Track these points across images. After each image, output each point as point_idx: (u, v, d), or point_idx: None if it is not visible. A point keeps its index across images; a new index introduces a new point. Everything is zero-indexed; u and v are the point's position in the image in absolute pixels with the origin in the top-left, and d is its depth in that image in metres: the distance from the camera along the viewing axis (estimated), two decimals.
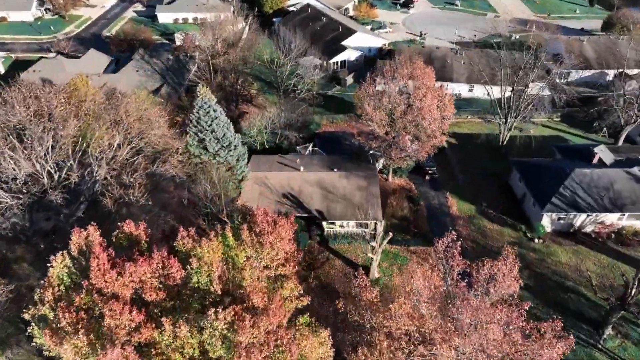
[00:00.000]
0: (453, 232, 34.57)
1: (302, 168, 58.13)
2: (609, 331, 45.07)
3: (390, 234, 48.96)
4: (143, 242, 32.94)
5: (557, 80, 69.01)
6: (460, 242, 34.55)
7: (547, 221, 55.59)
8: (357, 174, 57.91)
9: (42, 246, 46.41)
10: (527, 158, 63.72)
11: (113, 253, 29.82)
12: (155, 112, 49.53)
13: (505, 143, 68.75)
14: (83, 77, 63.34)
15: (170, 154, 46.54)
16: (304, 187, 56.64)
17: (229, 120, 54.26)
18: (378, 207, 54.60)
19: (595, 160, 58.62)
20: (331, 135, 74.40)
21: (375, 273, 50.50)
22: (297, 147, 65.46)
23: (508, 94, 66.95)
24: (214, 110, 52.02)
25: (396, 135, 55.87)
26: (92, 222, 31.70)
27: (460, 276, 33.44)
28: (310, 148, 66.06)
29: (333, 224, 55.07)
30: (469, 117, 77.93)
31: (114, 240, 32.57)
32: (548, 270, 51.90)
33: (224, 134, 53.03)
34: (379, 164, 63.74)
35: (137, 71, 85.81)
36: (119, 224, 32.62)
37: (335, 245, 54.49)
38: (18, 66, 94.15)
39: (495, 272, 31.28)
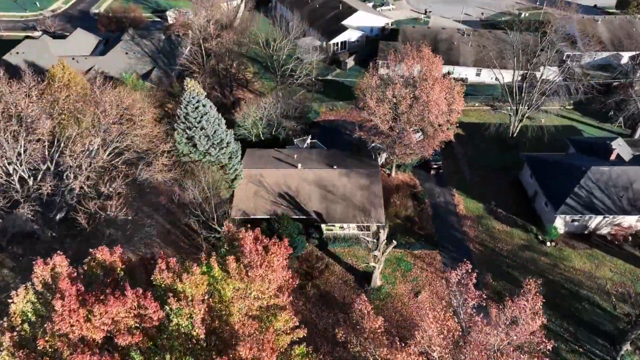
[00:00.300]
0: (467, 261, 30.62)
1: (299, 165, 53.87)
2: (627, 347, 41.77)
3: (394, 242, 45.16)
4: (119, 269, 29.14)
5: (571, 64, 63.83)
6: (474, 274, 30.58)
7: (560, 223, 51.71)
8: (358, 171, 53.68)
9: (21, 253, 42.80)
10: (539, 152, 59.29)
11: (82, 288, 26.01)
12: (139, 108, 44.93)
13: (515, 135, 64.25)
14: (65, 64, 58.37)
15: (155, 157, 42.15)
16: (301, 186, 52.52)
17: (220, 116, 49.71)
18: (380, 208, 50.65)
19: (613, 157, 54.31)
20: (331, 124, 69.80)
21: (377, 281, 46.93)
22: (295, 140, 61.02)
23: (518, 78, 61.92)
24: (204, 106, 47.45)
25: (401, 130, 51.44)
26: (67, 242, 27.85)
27: (474, 310, 29.70)
28: (308, 140, 61.64)
29: (333, 226, 51.22)
30: (476, 105, 73.14)
31: (85, 268, 28.75)
32: (561, 277, 48.30)
33: (215, 131, 48.61)
34: (381, 158, 59.45)
35: (127, 53, 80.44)
36: (91, 250, 28.71)
37: (335, 249, 50.79)
38: (2, 46, 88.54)
39: (518, 314, 27.52)
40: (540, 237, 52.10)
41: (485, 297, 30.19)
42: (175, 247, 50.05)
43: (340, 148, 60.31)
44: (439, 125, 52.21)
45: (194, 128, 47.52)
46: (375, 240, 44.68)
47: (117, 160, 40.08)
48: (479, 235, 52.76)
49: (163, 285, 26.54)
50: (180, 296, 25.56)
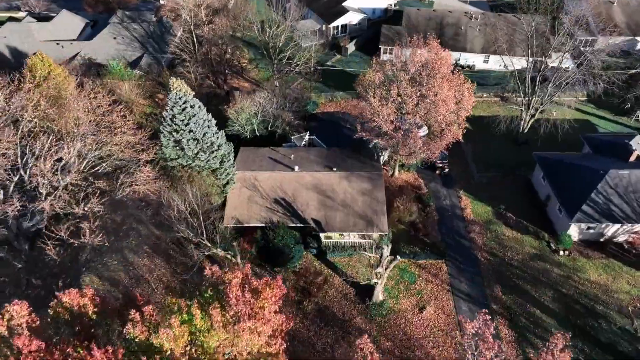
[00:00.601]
0: (485, 311, 26.95)
1: (296, 167, 49.85)
2: None
3: (399, 258, 41.62)
4: (91, 313, 25.58)
5: (589, 55, 59.04)
6: (492, 324, 26.87)
7: (574, 230, 48.05)
8: (359, 174, 49.70)
9: None
10: (552, 151, 55.14)
11: (43, 345, 22.46)
12: (119, 112, 40.53)
13: (526, 130, 59.92)
14: (44, 56, 53.64)
15: (137, 168, 37.95)
16: (298, 191, 48.63)
17: (210, 117, 45.41)
18: (383, 216, 46.91)
19: (632, 158, 50.23)
20: (330, 117, 65.43)
21: (379, 295, 43.56)
22: (292, 137, 56.77)
23: (530, 66, 57.22)
24: (192, 107, 43.15)
25: (406, 131, 47.23)
26: (38, 266, 24.21)
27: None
28: (306, 138, 57.37)
29: (332, 245, 47.45)
30: (484, 96, 68.52)
31: (51, 313, 25.19)
32: (575, 290, 44.90)
33: (205, 134, 44.43)
34: (384, 156, 55.46)
35: (115, 38, 75.43)
36: (57, 293, 25.07)
37: (334, 258, 47.30)
38: None
39: None
40: (552, 245, 48.51)
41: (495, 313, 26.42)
42: (165, 257, 46.59)
43: (340, 144, 56.18)
44: (447, 125, 48.01)
45: (182, 131, 43.34)
46: (378, 257, 41.10)
47: (94, 172, 35.97)
48: (488, 243, 49.15)
49: (136, 341, 22.99)
50: (156, 356, 22.03)
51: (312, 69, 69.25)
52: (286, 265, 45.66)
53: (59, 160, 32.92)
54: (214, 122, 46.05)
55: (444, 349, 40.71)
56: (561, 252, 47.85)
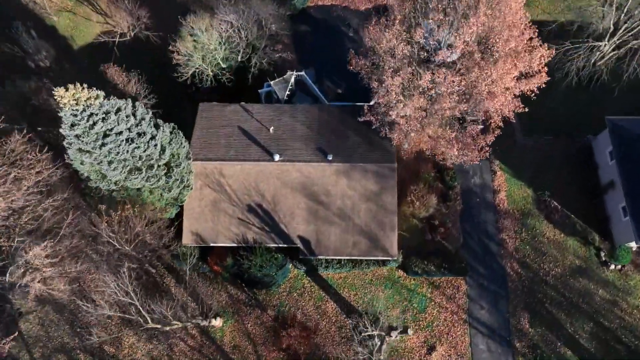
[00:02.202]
0: None
1: (277, 156, 34.56)
2: None
3: (410, 332, 30.97)
4: None
5: None
6: None
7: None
8: (364, 167, 34.71)
9: None
10: (637, 116, 38.31)
11: None
12: None
13: (604, 74, 40.46)
14: None
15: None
16: (281, 193, 34.53)
17: (152, 121, 28.62)
18: (393, 232, 34.25)
19: None
20: (326, 16, 45.36)
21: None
22: (272, 83, 38.93)
23: None
24: (104, 119, 26.23)
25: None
26: None
27: None
28: (292, 79, 39.26)
29: (324, 260, 35.49)
30: None
31: None
32: (620, 323, 35.52)
33: (135, 148, 28.50)
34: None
35: None
36: None
37: (328, 274, 36.46)
38: None
39: None
40: (602, 254, 37.07)
41: None
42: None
43: (346, 77, 38.29)
44: (497, 110, 31.14)
45: (95, 154, 27.42)
46: (379, 335, 30.34)
47: None
48: (521, 248, 37.52)
49: None
50: None
51: None
52: (267, 288, 35.42)
53: None
54: (163, 130, 29.48)
55: None
56: (612, 267, 36.82)
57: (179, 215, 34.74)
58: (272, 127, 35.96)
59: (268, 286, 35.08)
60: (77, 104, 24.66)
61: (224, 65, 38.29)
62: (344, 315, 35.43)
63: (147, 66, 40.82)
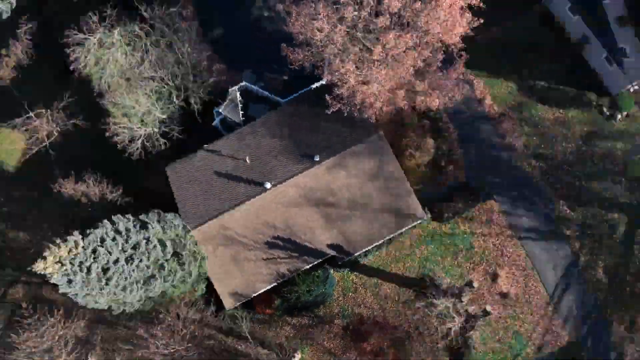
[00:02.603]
0: None
1: (268, 184, 32.57)
2: None
3: (475, 284, 30.60)
4: None
5: None
6: None
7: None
8: (352, 152, 32.86)
9: None
10: None
11: None
12: None
13: None
14: None
15: None
16: (288, 216, 32.91)
17: (137, 230, 26.36)
18: (411, 195, 33.15)
19: None
20: None
21: None
22: (220, 110, 35.89)
23: None
24: (94, 259, 24.15)
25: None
26: None
27: None
28: (237, 95, 35.99)
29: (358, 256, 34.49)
30: None
31: None
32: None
33: (145, 262, 26.61)
34: None
35: None
36: None
37: (370, 260, 35.61)
38: None
39: None
40: (605, 109, 36.22)
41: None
42: None
43: (269, 50, 34.25)
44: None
45: (106, 290, 25.58)
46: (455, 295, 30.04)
47: None
48: (529, 143, 36.57)
49: None
50: None
51: None
52: (323, 304, 34.98)
53: None
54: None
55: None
56: (618, 117, 36.11)
57: (210, 285, 33.36)
58: (248, 156, 33.68)
59: (323, 302, 34.55)
60: (62, 265, 22.52)
61: (163, 116, 35.07)
62: (404, 289, 35.25)
63: (90, 152, 37.88)
